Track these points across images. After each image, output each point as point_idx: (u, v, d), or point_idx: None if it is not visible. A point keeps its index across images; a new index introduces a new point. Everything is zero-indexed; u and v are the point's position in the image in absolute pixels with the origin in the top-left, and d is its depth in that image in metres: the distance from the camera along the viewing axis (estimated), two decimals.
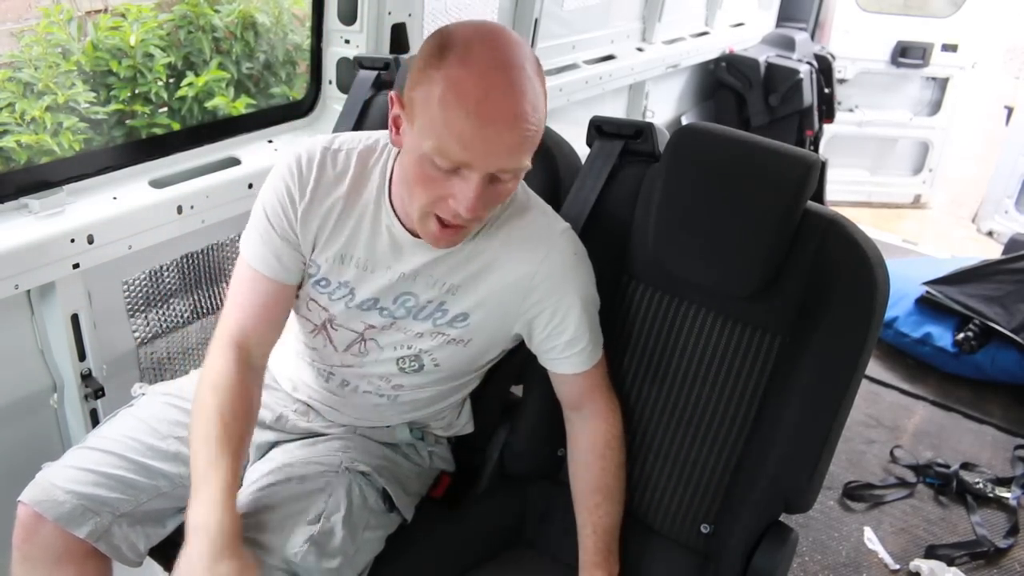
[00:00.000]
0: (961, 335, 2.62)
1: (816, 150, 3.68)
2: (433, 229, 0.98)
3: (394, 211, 1.06)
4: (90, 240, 1.34)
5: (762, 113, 3.49)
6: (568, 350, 1.12)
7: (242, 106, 2.46)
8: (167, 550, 1.15)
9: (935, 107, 4.17)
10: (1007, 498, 2.15)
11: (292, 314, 1.18)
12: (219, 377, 1.03)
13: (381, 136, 1.11)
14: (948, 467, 2.23)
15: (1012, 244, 3.09)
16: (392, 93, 0.99)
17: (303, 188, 1.06)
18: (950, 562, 1.92)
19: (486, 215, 0.99)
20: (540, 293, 1.09)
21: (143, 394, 1.23)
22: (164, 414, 1.16)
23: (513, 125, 0.89)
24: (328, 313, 1.12)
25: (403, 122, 0.96)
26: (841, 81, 3.97)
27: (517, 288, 1.09)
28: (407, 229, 1.06)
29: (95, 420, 1.47)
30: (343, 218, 1.07)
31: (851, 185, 4.18)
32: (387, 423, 1.23)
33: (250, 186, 1.59)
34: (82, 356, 1.43)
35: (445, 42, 0.91)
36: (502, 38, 0.92)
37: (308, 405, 1.23)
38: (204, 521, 0.92)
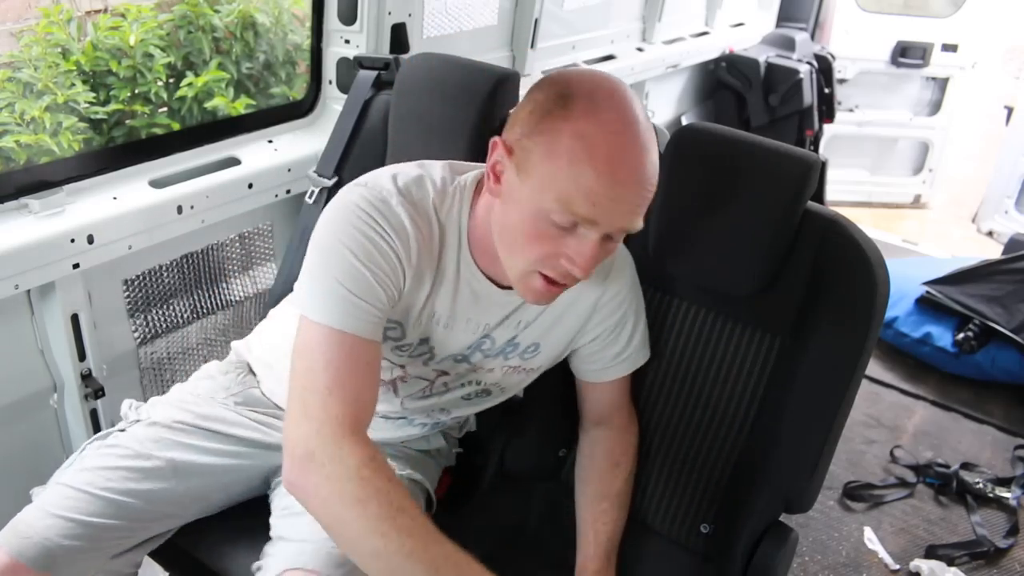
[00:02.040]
0: (961, 335, 2.62)
1: (816, 150, 3.67)
2: (538, 286, 0.92)
3: (475, 263, 0.99)
4: (90, 240, 1.34)
5: (762, 113, 3.49)
6: (615, 360, 1.14)
7: (242, 106, 2.45)
8: (167, 552, 1.15)
9: (935, 107, 4.17)
10: (1007, 498, 2.15)
11: None
12: (375, 470, 0.83)
13: (440, 176, 0.99)
14: (948, 467, 2.22)
15: (1012, 244, 3.08)
16: (496, 139, 0.91)
17: (405, 246, 0.93)
18: (950, 562, 1.91)
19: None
20: (603, 314, 1.10)
21: (137, 420, 1.15)
22: (151, 450, 1.10)
23: (641, 185, 0.86)
24: (403, 371, 1.06)
25: (508, 171, 0.89)
26: (841, 81, 3.97)
27: (583, 312, 1.09)
28: (490, 279, 1.00)
29: (95, 420, 1.47)
30: (430, 276, 0.98)
31: (851, 185, 4.18)
32: (424, 435, 1.23)
33: (250, 186, 1.59)
34: (82, 356, 1.43)
35: (566, 92, 0.86)
36: (625, 92, 0.87)
37: None
38: None
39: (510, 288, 0.99)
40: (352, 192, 0.94)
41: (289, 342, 0.93)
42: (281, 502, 1.11)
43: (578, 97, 0.85)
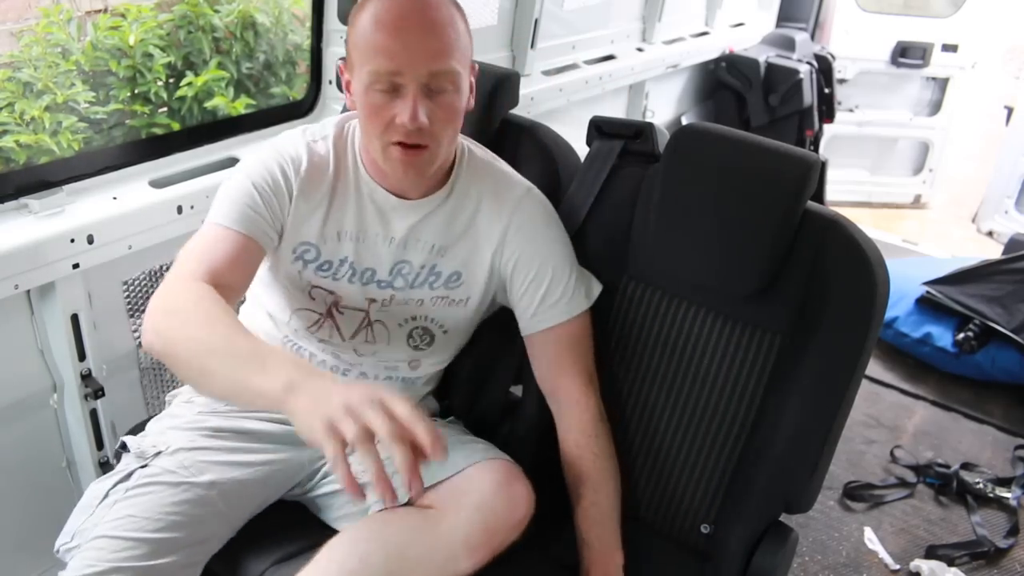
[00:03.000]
0: (961, 335, 2.61)
1: (816, 150, 3.67)
2: (396, 155, 1.03)
3: (372, 179, 1.12)
4: (90, 240, 1.34)
5: (762, 113, 3.48)
6: (543, 303, 1.15)
7: (242, 106, 2.45)
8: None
9: (935, 107, 4.17)
10: (1007, 498, 2.14)
11: (289, 319, 1.17)
12: (202, 294, 0.94)
13: (343, 117, 1.17)
14: (948, 467, 2.22)
15: (1012, 244, 3.08)
16: (338, 63, 1.09)
17: (296, 170, 1.09)
18: (950, 562, 1.91)
19: (441, 132, 1.03)
20: (513, 247, 1.14)
21: (158, 452, 1.10)
22: (188, 477, 1.07)
23: (430, 31, 0.99)
24: (334, 296, 1.14)
25: (351, 79, 1.05)
26: (841, 81, 3.97)
27: (492, 242, 1.15)
28: (389, 192, 1.11)
29: (95, 420, 1.47)
30: (332, 200, 1.11)
31: (851, 185, 4.18)
32: (410, 394, 1.25)
33: None
34: (82, 356, 1.42)
35: None
36: None
37: None
38: (304, 369, 0.84)
39: (411, 199, 1.11)
40: (272, 139, 1.14)
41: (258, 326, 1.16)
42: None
43: None
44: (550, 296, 1.15)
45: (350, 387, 0.79)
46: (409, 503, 1.03)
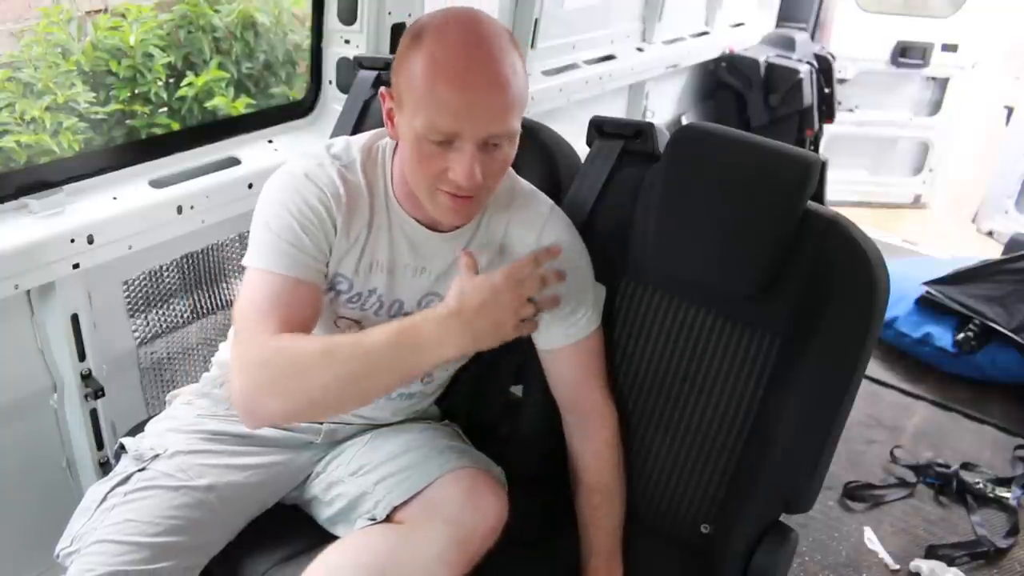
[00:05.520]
0: (961, 335, 2.62)
1: (816, 150, 3.67)
2: (445, 202, 0.97)
3: (403, 210, 1.06)
4: (90, 240, 1.34)
5: (762, 113, 3.48)
6: (570, 318, 1.13)
7: (242, 106, 2.46)
8: None
9: (935, 107, 4.17)
10: (1007, 498, 2.14)
11: None
12: (291, 339, 0.93)
13: (369, 139, 1.10)
14: (948, 467, 2.22)
15: (1012, 244, 3.08)
16: (383, 90, 1.01)
17: (336, 201, 1.02)
18: (950, 562, 1.91)
19: (493, 183, 0.99)
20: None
21: (156, 455, 1.10)
22: (186, 481, 1.08)
23: (497, 90, 0.92)
24: (360, 326, 1.10)
25: (395, 112, 0.98)
26: (841, 81, 3.96)
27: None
28: (419, 222, 1.07)
29: (95, 420, 1.47)
30: (369, 233, 1.06)
31: (851, 185, 4.17)
32: (418, 408, 1.25)
33: (250, 186, 1.59)
34: (82, 356, 1.43)
35: (420, 29, 0.95)
36: (474, 15, 0.96)
37: (339, 422, 1.21)
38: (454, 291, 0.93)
39: (443, 231, 1.07)
40: (294, 162, 1.05)
41: None
42: (327, 478, 1.17)
43: (428, 29, 0.94)
44: (577, 311, 1.13)
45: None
46: (388, 519, 1.04)
